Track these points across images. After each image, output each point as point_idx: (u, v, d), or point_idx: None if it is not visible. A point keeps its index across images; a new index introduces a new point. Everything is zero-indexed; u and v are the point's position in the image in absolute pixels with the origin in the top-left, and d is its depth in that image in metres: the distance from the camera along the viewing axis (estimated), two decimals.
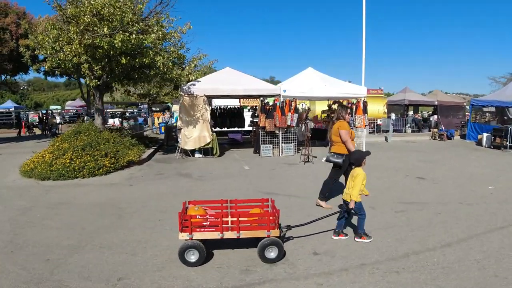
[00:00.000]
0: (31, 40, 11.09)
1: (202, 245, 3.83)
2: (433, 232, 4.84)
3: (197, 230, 3.86)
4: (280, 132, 11.69)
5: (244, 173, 9.26)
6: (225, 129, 16.26)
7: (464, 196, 6.77)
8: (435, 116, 21.62)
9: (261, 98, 11.87)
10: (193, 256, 3.84)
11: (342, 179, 5.89)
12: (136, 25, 8.78)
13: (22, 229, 5.15)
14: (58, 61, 9.59)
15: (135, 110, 37.45)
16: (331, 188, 6.01)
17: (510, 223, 5.20)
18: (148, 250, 4.36)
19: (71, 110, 35.51)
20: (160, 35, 9.57)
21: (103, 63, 9.76)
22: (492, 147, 15.22)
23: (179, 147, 11.52)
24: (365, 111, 12.37)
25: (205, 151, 11.52)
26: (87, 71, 9.77)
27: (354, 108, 12.45)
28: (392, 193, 7.11)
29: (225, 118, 15.93)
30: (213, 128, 15.73)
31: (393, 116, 22.73)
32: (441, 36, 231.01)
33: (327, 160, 5.78)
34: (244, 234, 3.92)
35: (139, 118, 25.13)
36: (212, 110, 16.53)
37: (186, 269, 3.80)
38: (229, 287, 3.44)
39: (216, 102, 17.30)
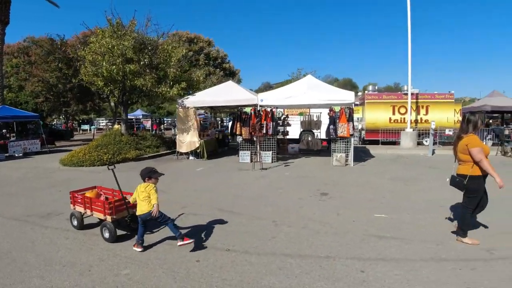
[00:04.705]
0: None
1: (79, 214, 5.46)
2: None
3: (76, 204, 5.60)
4: (257, 140, 12.42)
5: (184, 173, 10.79)
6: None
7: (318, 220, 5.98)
8: None
9: (239, 108, 12.86)
10: (75, 221, 5.55)
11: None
12: (120, 58, 11.73)
13: None
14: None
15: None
16: (471, 220, 5.03)
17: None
18: None
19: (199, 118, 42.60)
20: (146, 62, 12.25)
21: (116, 86, 13.14)
22: None
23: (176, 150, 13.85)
24: (350, 119, 11.61)
25: (197, 154, 13.43)
26: (108, 92, 13.36)
27: (335, 116, 11.92)
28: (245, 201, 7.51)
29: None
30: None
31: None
32: None
33: (451, 184, 4.98)
34: (95, 215, 5.25)
35: None
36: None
37: None
38: None
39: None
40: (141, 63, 12.28)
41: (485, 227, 5.50)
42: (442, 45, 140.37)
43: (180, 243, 4.60)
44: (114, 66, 11.62)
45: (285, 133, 14.37)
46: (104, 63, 11.82)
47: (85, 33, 20.76)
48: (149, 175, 4.76)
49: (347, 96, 11.86)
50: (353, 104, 11.94)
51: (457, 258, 4.40)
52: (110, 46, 11.88)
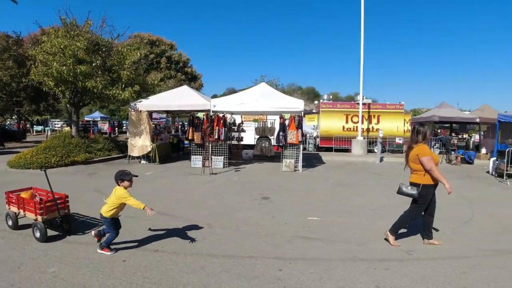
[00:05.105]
0: None
1: (14, 214, 5.56)
2: None
3: (11, 204, 5.67)
4: (210, 145, 12.63)
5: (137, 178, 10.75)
6: None
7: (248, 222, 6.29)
8: (477, 137, 18.24)
9: (192, 113, 13.08)
10: (10, 221, 5.66)
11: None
12: (71, 59, 11.55)
13: None
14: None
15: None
16: (409, 224, 5.29)
17: None
18: None
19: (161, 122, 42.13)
20: (99, 64, 12.13)
21: (67, 87, 12.87)
22: (496, 175, 12.53)
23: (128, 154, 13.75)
24: (299, 126, 12.14)
25: (150, 158, 13.41)
26: (59, 93, 13.05)
27: (285, 123, 12.42)
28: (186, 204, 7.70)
29: None
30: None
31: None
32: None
33: (399, 192, 5.10)
34: (28, 215, 5.34)
35: None
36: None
37: None
38: None
39: None
40: (93, 64, 12.14)
41: (436, 230, 5.70)
42: (402, 59, 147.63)
43: (100, 250, 4.78)
44: (64, 67, 11.41)
45: (239, 138, 14.68)
46: (54, 63, 11.58)
47: (44, 31, 20.11)
48: (122, 177, 4.79)
49: (297, 104, 12.38)
50: (302, 112, 12.47)
51: (374, 258, 4.72)
52: (62, 46, 11.66)
